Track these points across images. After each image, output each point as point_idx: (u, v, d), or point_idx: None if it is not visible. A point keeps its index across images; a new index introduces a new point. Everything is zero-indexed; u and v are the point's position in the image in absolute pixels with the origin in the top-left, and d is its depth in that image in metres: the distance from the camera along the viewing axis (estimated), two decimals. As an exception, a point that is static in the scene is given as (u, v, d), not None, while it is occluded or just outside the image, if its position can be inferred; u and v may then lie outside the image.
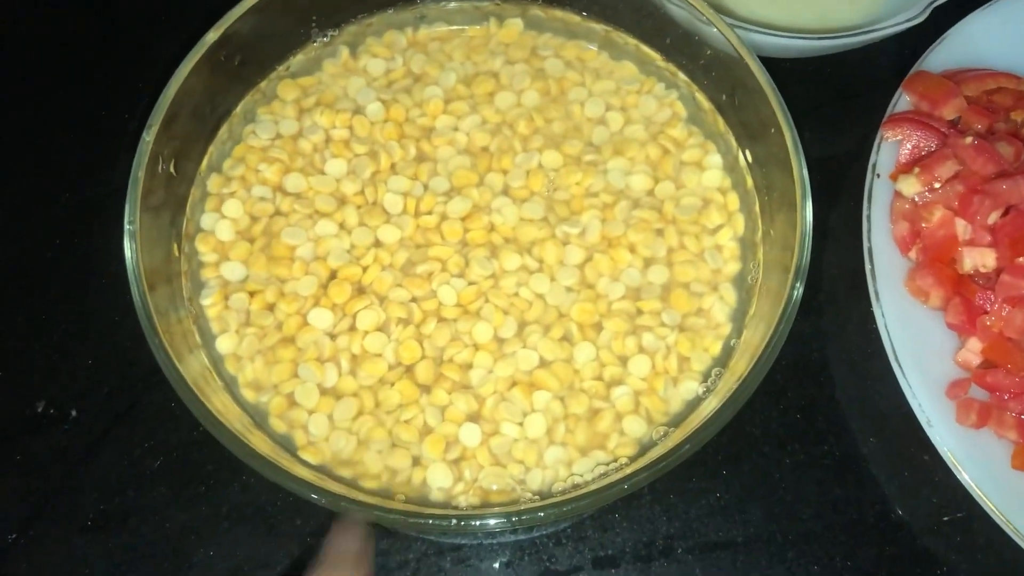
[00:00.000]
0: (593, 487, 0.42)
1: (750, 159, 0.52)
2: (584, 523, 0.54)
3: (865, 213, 0.57)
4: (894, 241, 0.57)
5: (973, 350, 0.54)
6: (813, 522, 0.55)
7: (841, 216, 0.63)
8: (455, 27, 0.58)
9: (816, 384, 0.59)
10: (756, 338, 0.46)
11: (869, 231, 0.57)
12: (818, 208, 0.61)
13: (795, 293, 0.44)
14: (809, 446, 0.57)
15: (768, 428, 0.57)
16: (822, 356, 0.60)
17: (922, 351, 0.55)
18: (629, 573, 0.53)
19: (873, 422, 0.57)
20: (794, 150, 0.46)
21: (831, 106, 0.68)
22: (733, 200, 0.53)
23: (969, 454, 0.52)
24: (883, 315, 0.55)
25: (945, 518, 0.55)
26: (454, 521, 0.40)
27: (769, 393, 0.58)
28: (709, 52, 0.52)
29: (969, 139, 0.56)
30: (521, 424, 0.47)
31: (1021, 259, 0.53)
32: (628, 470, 0.42)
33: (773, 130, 0.48)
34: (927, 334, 0.55)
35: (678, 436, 0.45)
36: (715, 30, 0.50)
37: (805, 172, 0.46)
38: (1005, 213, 0.55)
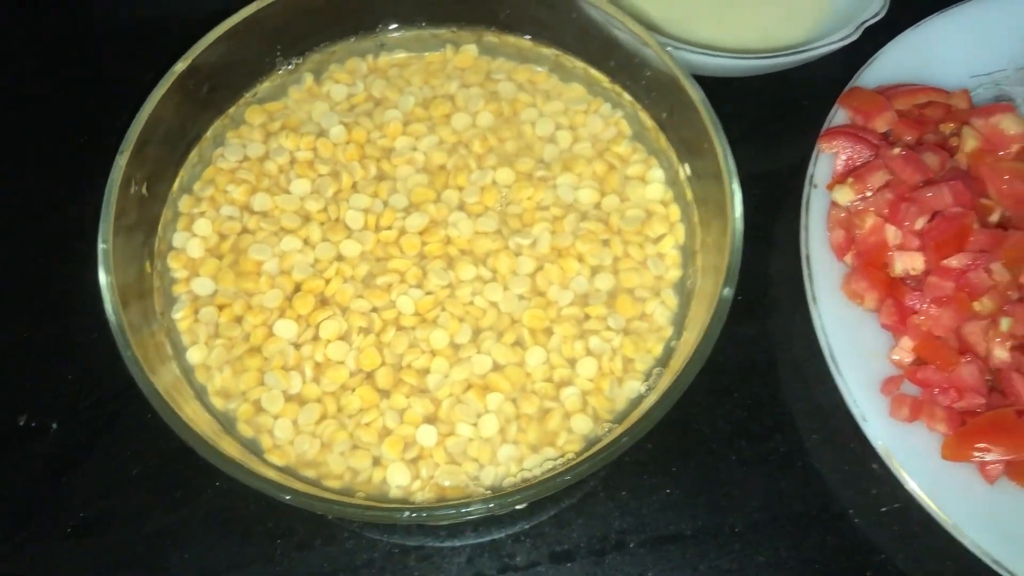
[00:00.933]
0: (540, 479, 0.45)
1: (689, 173, 0.56)
2: (542, 521, 0.57)
3: (803, 222, 0.61)
4: (831, 247, 0.60)
5: (906, 348, 0.57)
6: (759, 514, 0.57)
7: (784, 226, 0.66)
8: (413, 53, 0.61)
9: (762, 384, 0.62)
10: (693, 338, 0.49)
11: (807, 239, 0.60)
12: (762, 219, 0.65)
13: (724, 293, 0.47)
14: (755, 443, 0.59)
15: (716, 426, 0.60)
16: (767, 358, 0.63)
17: (859, 351, 0.58)
18: (584, 567, 0.56)
19: (815, 419, 0.60)
20: (724, 162, 0.50)
21: (774, 123, 0.71)
22: (674, 211, 0.56)
23: (902, 447, 0.55)
24: (820, 317, 0.58)
25: (883, 508, 0.58)
26: (407, 513, 0.43)
27: (717, 393, 0.61)
28: (649, 73, 0.56)
29: (898, 150, 0.60)
30: (475, 424, 0.50)
31: (946, 262, 0.57)
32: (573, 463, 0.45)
33: (707, 145, 0.51)
34: (864, 334, 0.58)
35: (621, 431, 0.48)
36: (652, 52, 0.54)
37: (736, 184, 0.49)
38: (931, 219, 0.58)
